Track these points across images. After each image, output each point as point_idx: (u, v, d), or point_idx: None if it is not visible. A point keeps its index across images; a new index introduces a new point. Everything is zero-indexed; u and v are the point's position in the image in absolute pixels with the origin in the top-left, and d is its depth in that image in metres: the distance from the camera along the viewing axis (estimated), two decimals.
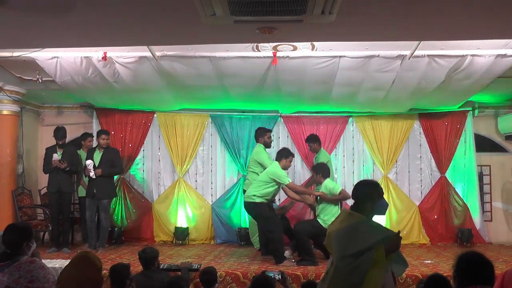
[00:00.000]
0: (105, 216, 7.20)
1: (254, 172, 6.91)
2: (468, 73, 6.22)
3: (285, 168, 6.50)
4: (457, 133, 8.33)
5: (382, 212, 3.30)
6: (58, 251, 6.96)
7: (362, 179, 8.39)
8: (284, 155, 6.53)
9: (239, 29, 4.07)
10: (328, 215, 6.17)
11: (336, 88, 6.88)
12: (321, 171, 6.55)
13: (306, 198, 6.73)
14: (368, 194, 3.20)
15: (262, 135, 7.13)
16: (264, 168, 6.69)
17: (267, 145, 7.14)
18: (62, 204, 7.15)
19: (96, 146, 7.31)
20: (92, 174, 7.00)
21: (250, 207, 6.46)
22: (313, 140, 7.56)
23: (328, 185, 6.36)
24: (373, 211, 3.19)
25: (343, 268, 2.94)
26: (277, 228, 6.28)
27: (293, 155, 6.72)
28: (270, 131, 7.50)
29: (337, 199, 6.32)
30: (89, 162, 7.05)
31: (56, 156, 7.01)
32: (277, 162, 6.48)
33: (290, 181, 6.40)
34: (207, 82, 6.75)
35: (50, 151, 7.20)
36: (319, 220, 6.26)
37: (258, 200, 6.30)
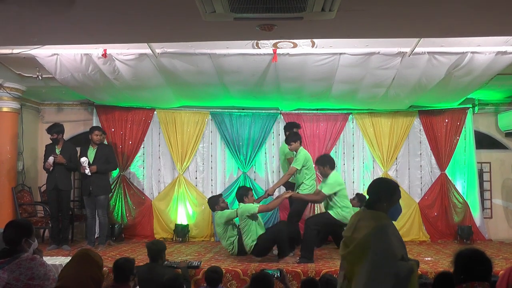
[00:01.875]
0: (103, 213, 7.23)
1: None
2: (468, 70, 6.22)
3: (250, 202, 6.42)
4: (457, 130, 8.33)
5: (394, 217, 3.06)
6: (58, 248, 6.99)
7: (361, 176, 8.42)
8: (244, 194, 6.41)
9: (239, 26, 4.06)
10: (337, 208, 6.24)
11: (336, 85, 6.88)
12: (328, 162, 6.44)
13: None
14: (387, 193, 3.00)
15: (217, 203, 6.80)
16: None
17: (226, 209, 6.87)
18: (60, 201, 7.17)
19: (90, 143, 7.32)
20: (87, 171, 7.02)
21: (256, 246, 6.27)
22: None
23: (329, 180, 6.30)
24: (387, 213, 2.97)
25: (397, 274, 2.68)
26: (282, 231, 6.22)
27: (251, 189, 6.74)
28: (221, 195, 7.24)
29: (311, 199, 6.43)
30: (83, 159, 7.08)
31: (51, 161, 7.03)
32: (241, 204, 6.37)
33: (258, 206, 6.31)
34: (207, 79, 6.74)
35: (50, 148, 7.22)
36: (330, 212, 6.27)
37: (257, 240, 6.20)
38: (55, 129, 7.19)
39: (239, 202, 6.46)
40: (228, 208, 6.93)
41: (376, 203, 2.97)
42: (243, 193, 6.45)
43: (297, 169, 6.48)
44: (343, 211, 6.22)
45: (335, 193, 6.26)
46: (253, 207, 6.26)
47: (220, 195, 7.29)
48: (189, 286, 5.14)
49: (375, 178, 8.24)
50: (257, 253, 6.28)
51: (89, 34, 4.55)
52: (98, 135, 7.28)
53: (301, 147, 6.67)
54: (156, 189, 8.49)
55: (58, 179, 7.09)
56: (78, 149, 7.43)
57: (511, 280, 3.05)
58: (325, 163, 6.44)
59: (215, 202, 6.87)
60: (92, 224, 7.27)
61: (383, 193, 2.99)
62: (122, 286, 3.67)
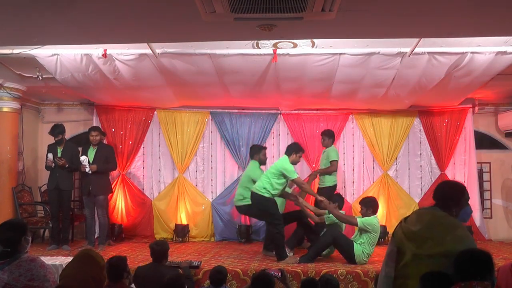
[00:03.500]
0: (102, 213, 7.23)
1: (247, 188, 6.80)
2: (468, 70, 6.22)
3: (294, 163, 6.39)
4: (457, 130, 8.33)
5: (465, 220, 2.96)
6: (58, 248, 6.99)
7: (361, 176, 8.42)
8: (294, 150, 6.45)
9: (239, 26, 4.07)
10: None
11: (336, 85, 6.88)
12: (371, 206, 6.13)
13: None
14: (456, 199, 2.85)
15: (258, 153, 7.16)
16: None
17: (262, 162, 7.19)
18: (61, 201, 7.17)
19: (90, 143, 7.33)
20: (87, 169, 7.03)
21: (256, 198, 6.31)
22: (329, 136, 7.54)
23: (367, 221, 5.98)
24: (456, 218, 2.84)
25: None
26: (281, 225, 6.25)
27: (303, 151, 6.64)
28: (265, 148, 7.47)
29: (343, 218, 6.18)
30: (83, 158, 7.10)
31: (50, 157, 7.03)
32: (286, 156, 6.39)
33: (298, 176, 6.35)
34: (207, 79, 6.74)
35: (51, 148, 7.23)
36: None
37: (266, 194, 6.21)
38: (58, 130, 7.19)
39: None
40: (265, 165, 7.11)
41: (444, 208, 2.84)
42: (294, 149, 6.47)
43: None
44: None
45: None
46: (293, 172, 6.23)
47: (265, 148, 7.45)
48: (193, 286, 5.14)
49: (376, 179, 8.33)
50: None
51: (89, 34, 4.56)
52: (94, 136, 7.26)
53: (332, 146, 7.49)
54: (156, 189, 8.49)
55: (59, 179, 7.10)
56: (80, 149, 7.44)
57: (499, 278, 3.07)
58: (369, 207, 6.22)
59: (257, 151, 7.05)
60: (91, 224, 7.27)
61: (453, 200, 2.85)
62: (117, 285, 3.66)
